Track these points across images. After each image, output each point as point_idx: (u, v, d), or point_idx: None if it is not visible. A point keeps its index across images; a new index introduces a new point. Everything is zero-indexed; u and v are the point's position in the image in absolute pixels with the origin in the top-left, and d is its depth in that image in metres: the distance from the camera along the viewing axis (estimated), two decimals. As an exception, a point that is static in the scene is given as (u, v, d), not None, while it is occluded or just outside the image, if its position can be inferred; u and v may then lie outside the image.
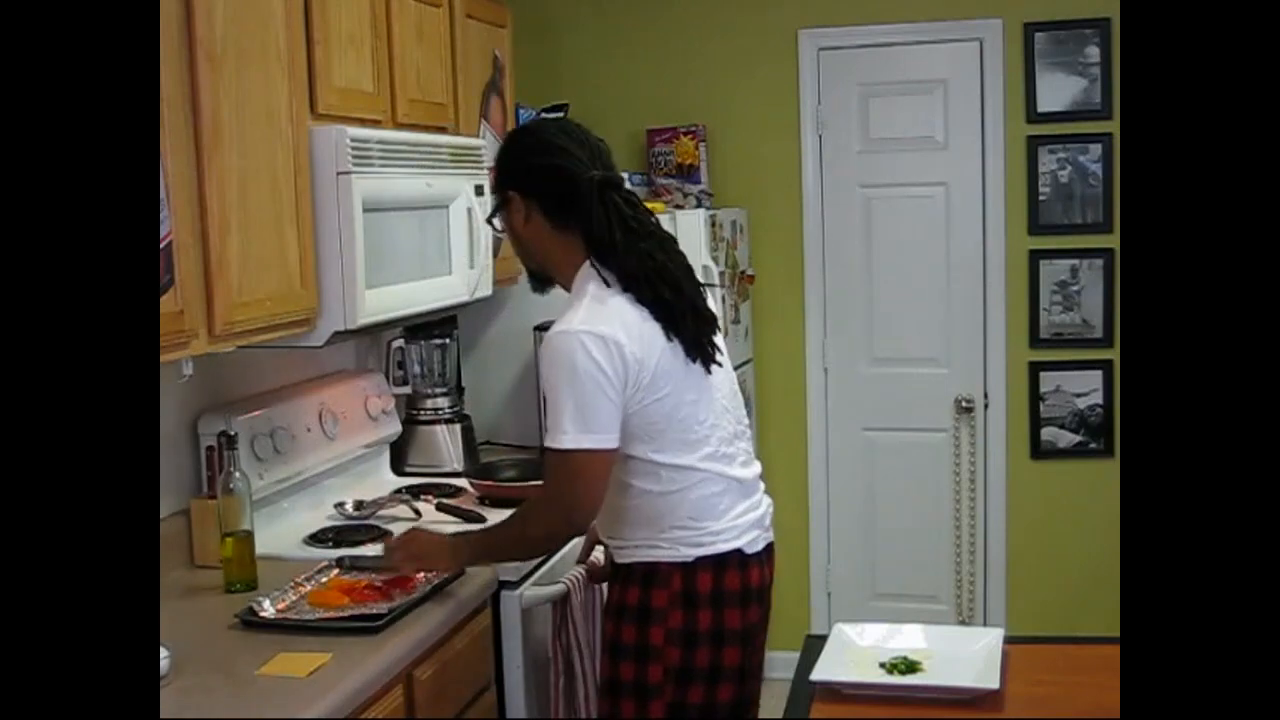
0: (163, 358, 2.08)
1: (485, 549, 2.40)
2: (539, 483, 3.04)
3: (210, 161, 2.19)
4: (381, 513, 2.96)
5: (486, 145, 3.29)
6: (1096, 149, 4.27)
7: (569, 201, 2.23)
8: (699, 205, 4.16)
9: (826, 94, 4.46)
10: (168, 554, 2.52)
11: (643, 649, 2.24)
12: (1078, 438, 4.40)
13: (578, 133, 2.31)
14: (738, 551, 2.26)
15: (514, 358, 3.81)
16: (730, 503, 2.28)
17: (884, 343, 4.52)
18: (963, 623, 4.47)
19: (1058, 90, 4.28)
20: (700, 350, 2.24)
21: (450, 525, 2.86)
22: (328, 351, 2.93)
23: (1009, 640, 2.15)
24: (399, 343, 3.48)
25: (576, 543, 2.73)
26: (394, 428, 3.35)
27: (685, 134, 4.36)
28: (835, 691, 2.00)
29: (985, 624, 4.44)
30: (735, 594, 2.25)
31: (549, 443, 2.17)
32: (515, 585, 2.58)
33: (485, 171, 3.19)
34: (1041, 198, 4.34)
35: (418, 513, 2.95)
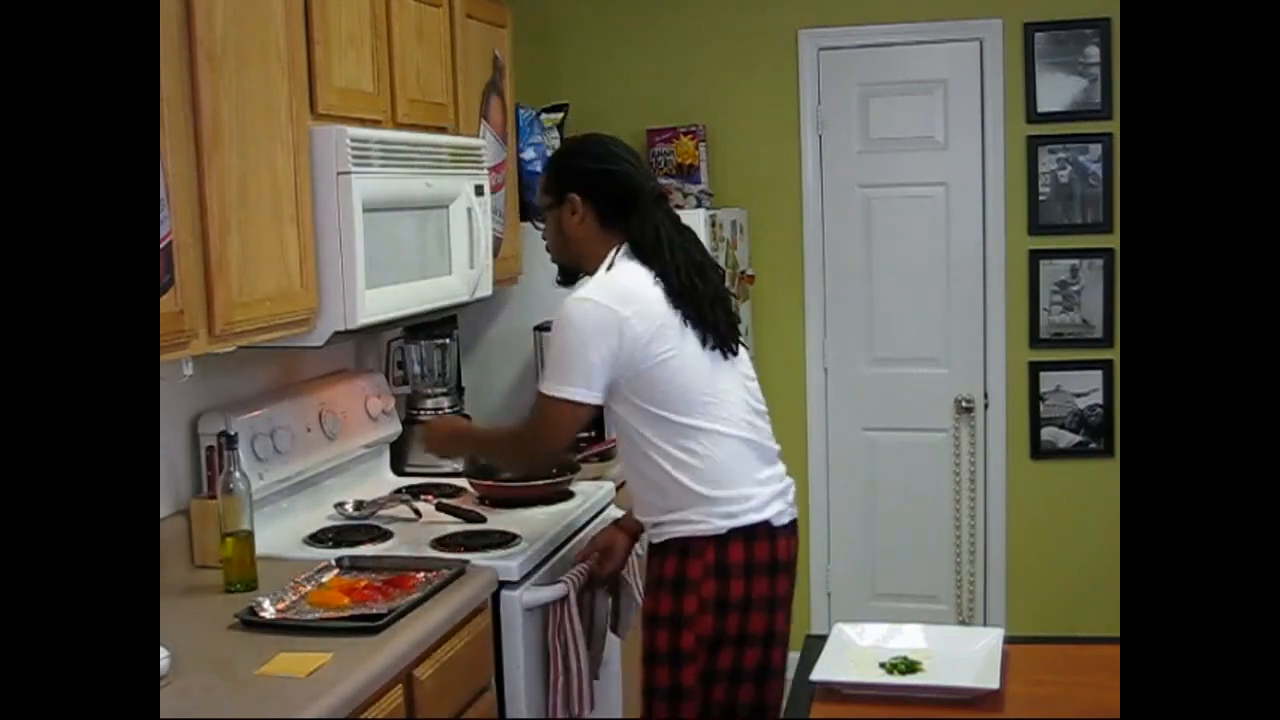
0: (163, 358, 2.08)
1: (477, 449, 3.03)
2: (539, 482, 3.07)
3: (210, 161, 2.19)
4: (381, 513, 2.96)
5: (486, 145, 3.29)
6: (1096, 149, 4.27)
7: (627, 206, 2.48)
8: (699, 205, 4.16)
9: (826, 94, 4.46)
10: (168, 554, 2.52)
11: (677, 617, 2.41)
12: (1078, 438, 4.40)
13: (629, 149, 2.61)
14: (766, 523, 2.45)
15: (514, 358, 3.81)
16: (754, 466, 2.46)
17: (884, 343, 4.52)
18: (963, 623, 4.47)
19: (1058, 90, 4.28)
20: (715, 331, 2.43)
21: (450, 525, 2.87)
22: (328, 351, 2.93)
23: (1009, 640, 2.15)
24: (399, 343, 3.48)
25: (577, 541, 2.73)
26: (394, 428, 3.35)
27: (685, 134, 4.35)
28: (835, 691, 2.00)
29: (985, 624, 4.43)
30: (764, 564, 2.44)
31: (538, 385, 2.48)
32: (515, 585, 2.58)
33: (485, 171, 3.20)
34: (1041, 198, 4.34)
35: (418, 513, 2.95)
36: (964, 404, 4.46)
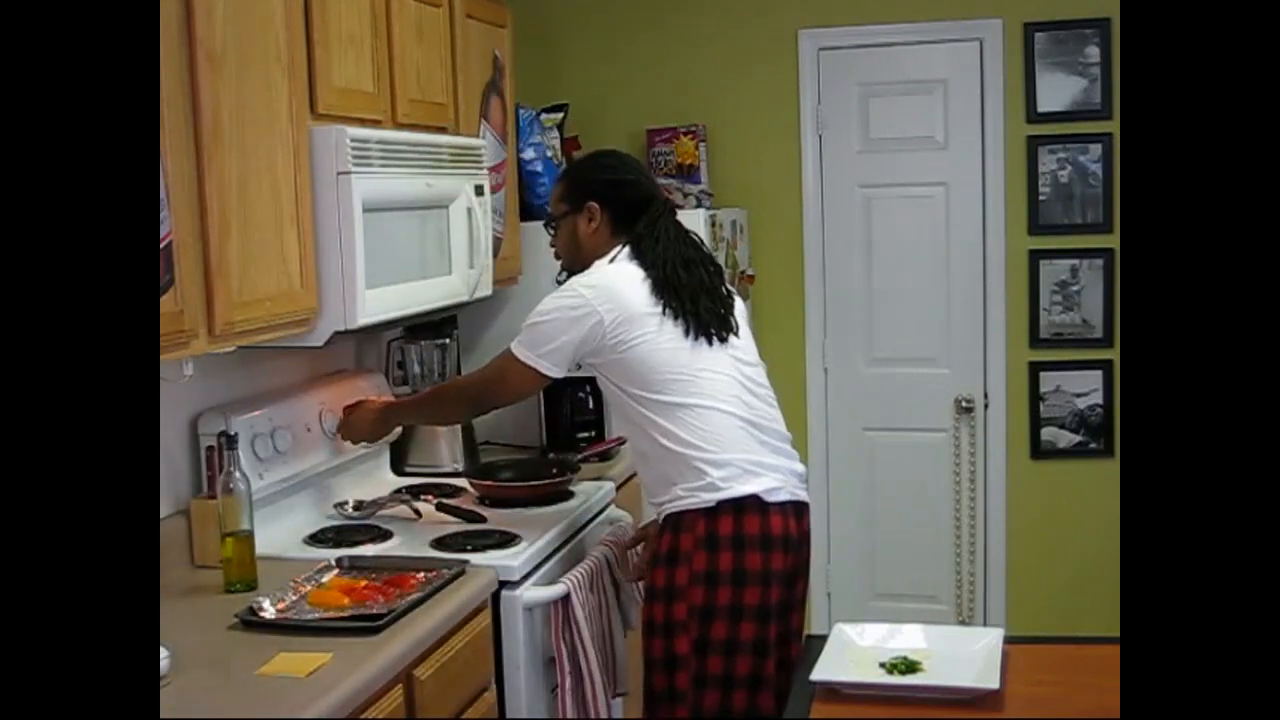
0: (163, 358, 2.08)
1: (410, 414, 3.00)
2: (539, 482, 3.07)
3: (210, 161, 2.19)
4: (381, 513, 2.96)
5: (486, 145, 3.29)
6: (1096, 149, 4.28)
7: (639, 215, 2.66)
8: (699, 205, 4.16)
9: (826, 94, 4.46)
10: (168, 554, 2.52)
11: (670, 589, 2.51)
12: (1078, 438, 4.40)
13: (638, 162, 2.90)
14: (754, 497, 2.50)
15: (514, 358, 3.81)
16: (748, 444, 2.55)
17: (884, 343, 4.53)
18: (963, 623, 4.47)
19: (1058, 90, 4.29)
20: (697, 319, 2.56)
21: (450, 525, 2.87)
22: (328, 351, 2.93)
23: (1009, 640, 2.15)
24: (399, 342, 3.48)
25: (574, 542, 2.73)
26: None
27: (685, 134, 4.35)
28: (835, 691, 2.00)
29: (985, 624, 4.44)
30: (755, 538, 2.50)
31: (512, 344, 2.61)
32: (515, 585, 2.58)
33: (485, 171, 3.19)
34: (1041, 198, 4.34)
35: (418, 513, 2.95)
36: (964, 404, 4.46)
